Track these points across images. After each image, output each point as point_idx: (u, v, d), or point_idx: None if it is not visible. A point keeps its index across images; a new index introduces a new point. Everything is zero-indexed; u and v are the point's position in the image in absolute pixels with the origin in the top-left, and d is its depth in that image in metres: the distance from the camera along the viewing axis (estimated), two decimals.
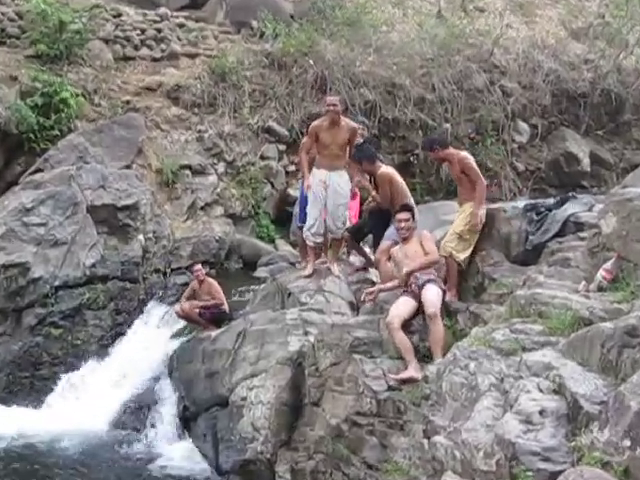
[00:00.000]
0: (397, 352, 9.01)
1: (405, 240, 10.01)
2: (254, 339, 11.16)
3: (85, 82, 17.81)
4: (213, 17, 21.87)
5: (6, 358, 13.77)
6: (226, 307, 13.34)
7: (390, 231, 11.26)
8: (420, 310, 9.24)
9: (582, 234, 9.65)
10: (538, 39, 24.64)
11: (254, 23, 21.28)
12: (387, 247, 10.98)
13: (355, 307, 11.79)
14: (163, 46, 19.86)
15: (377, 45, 21.71)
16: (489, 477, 6.28)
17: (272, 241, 18.00)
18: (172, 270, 15.86)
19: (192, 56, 19.86)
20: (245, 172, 18.28)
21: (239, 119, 18.82)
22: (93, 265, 14.71)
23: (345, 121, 12.18)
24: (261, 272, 16.19)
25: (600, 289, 7.95)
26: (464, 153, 11.12)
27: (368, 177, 11.98)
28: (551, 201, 10.87)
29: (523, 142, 22.68)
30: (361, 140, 12.47)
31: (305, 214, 12.46)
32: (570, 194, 10.97)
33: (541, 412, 6.09)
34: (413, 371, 8.60)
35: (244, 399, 10.40)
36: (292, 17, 22.12)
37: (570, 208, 10.29)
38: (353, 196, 12.64)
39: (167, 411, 12.15)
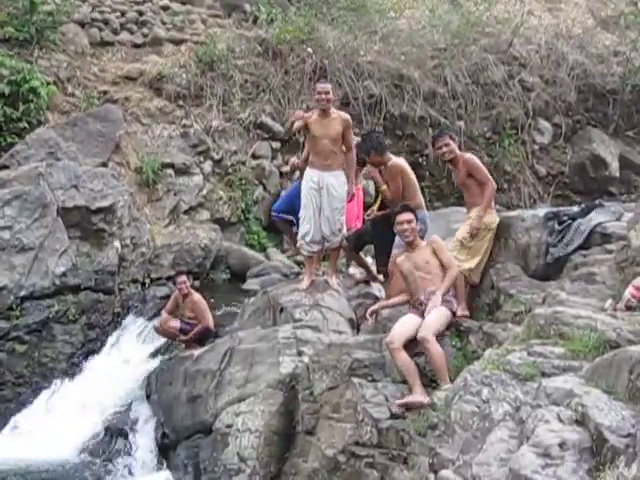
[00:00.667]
0: (400, 375, 9.00)
1: (411, 245, 9.84)
2: (242, 359, 11.14)
3: (58, 69, 17.83)
4: None
5: None
6: (211, 324, 13.31)
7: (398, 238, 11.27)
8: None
9: (609, 246, 9.66)
10: (563, 28, 24.76)
11: (247, 6, 21.37)
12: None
13: (355, 325, 11.80)
14: (145, 30, 19.92)
15: (383, 33, 21.81)
16: None
17: (263, 250, 18.01)
18: (152, 281, 15.88)
19: (177, 42, 19.92)
20: (234, 172, 18.31)
21: (228, 113, 18.86)
22: (63, 274, 14.69)
23: (337, 112, 12.11)
24: (251, 284, 16.19)
25: (629, 308, 7.94)
26: (469, 154, 11.18)
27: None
28: (575, 209, 10.90)
29: (545, 143, 22.75)
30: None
31: (286, 202, 12.46)
32: (596, 202, 11.01)
33: (561, 445, 6.07)
34: (419, 395, 8.59)
35: (230, 426, 10.37)
36: (289, 0, 22.18)
37: (596, 217, 10.30)
38: (351, 198, 12.51)
39: (144, 438, 12.10)
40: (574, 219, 10.42)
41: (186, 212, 17.29)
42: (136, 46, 19.70)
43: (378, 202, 12.13)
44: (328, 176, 11.89)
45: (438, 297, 9.25)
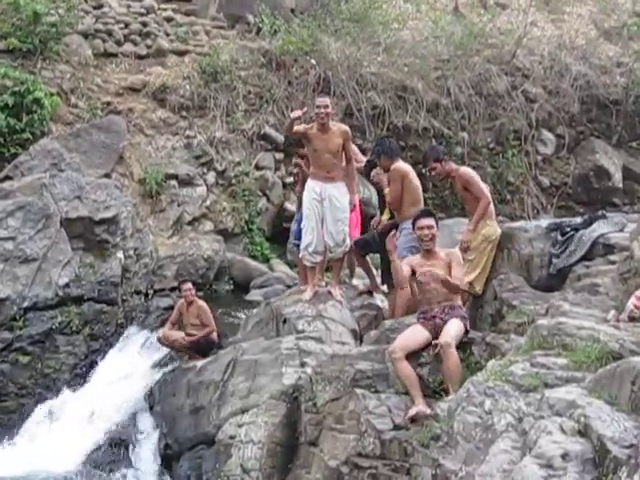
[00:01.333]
0: (402, 386, 8.99)
1: (429, 253, 9.51)
2: (245, 370, 11.13)
3: (61, 80, 17.90)
4: (205, 10, 21.98)
5: None
6: (215, 335, 13.32)
7: (400, 245, 11.24)
8: (432, 342, 9.18)
9: (612, 257, 9.68)
10: (566, 39, 24.78)
11: (250, 18, 21.43)
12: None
13: (358, 336, 11.79)
14: (149, 42, 19.97)
15: (387, 44, 21.86)
16: None
17: (267, 261, 18.02)
18: (155, 292, 15.88)
19: (181, 53, 19.97)
20: (238, 183, 18.34)
21: (232, 124, 18.91)
22: (66, 285, 14.71)
23: (336, 125, 12.15)
24: (254, 295, 16.22)
25: (631, 319, 7.95)
26: (464, 168, 11.27)
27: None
28: (578, 220, 10.92)
29: (548, 154, 22.78)
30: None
31: (301, 231, 12.47)
32: (599, 213, 11.01)
33: (564, 456, 6.07)
34: (422, 406, 8.58)
35: (233, 437, 10.34)
36: (293, 12, 22.27)
37: (599, 228, 10.32)
38: (353, 208, 12.53)
39: (147, 449, 12.12)
40: (577, 230, 10.44)
41: (189, 223, 17.32)
42: (140, 57, 19.75)
43: (387, 213, 12.20)
44: (330, 187, 11.91)
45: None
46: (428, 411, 8.44)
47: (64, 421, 13.07)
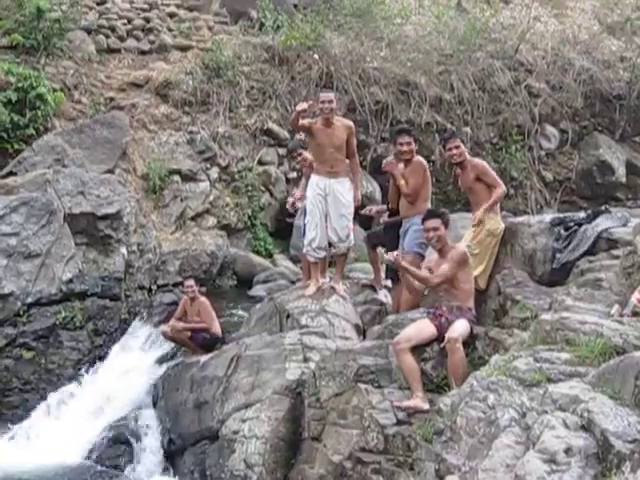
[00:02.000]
0: (404, 378, 8.98)
1: (441, 252, 9.53)
2: (248, 365, 11.14)
3: (64, 76, 17.91)
4: (208, 6, 22.00)
5: None
6: (218, 331, 13.33)
7: (410, 241, 11.23)
8: (437, 339, 9.17)
9: (615, 252, 9.66)
10: (569, 34, 24.77)
11: (253, 13, 21.42)
12: (412, 261, 10.95)
13: (361, 331, 11.80)
14: (152, 37, 20.00)
15: (390, 39, 21.84)
16: None
17: (270, 256, 18.04)
18: (158, 287, 15.92)
19: (184, 49, 19.98)
20: (241, 179, 18.34)
21: (235, 119, 18.91)
22: (70, 280, 14.71)
23: (340, 120, 12.14)
24: (257, 290, 16.23)
25: (635, 314, 7.94)
26: (477, 159, 11.29)
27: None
28: (581, 215, 10.91)
29: (551, 149, 22.76)
30: None
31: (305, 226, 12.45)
32: (603, 207, 11.00)
33: (567, 451, 6.07)
34: (420, 401, 8.58)
35: (236, 432, 10.36)
36: (295, 7, 22.26)
37: (602, 223, 10.31)
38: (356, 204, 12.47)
39: (150, 444, 12.11)
40: (580, 225, 10.43)
41: (193, 218, 17.33)
42: (143, 53, 19.78)
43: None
44: (334, 183, 11.90)
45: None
46: (425, 407, 8.45)
47: (68, 416, 13.08)
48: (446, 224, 9.55)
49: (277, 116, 19.36)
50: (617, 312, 8.13)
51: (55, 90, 17.10)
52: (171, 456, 11.78)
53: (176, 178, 17.36)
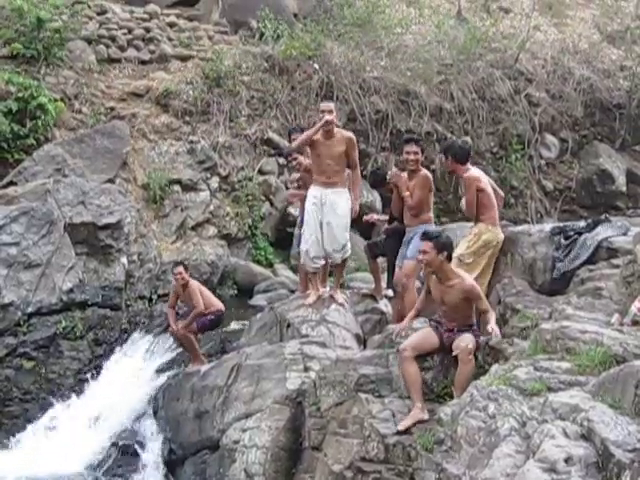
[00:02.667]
0: (404, 387, 8.98)
1: (440, 279, 9.13)
2: (249, 375, 11.14)
3: (65, 86, 17.93)
4: (208, 16, 22.04)
5: None
6: (217, 306, 13.35)
7: (413, 248, 11.25)
8: (439, 349, 9.15)
9: (615, 261, 9.68)
10: (569, 43, 24.82)
11: (253, 23, 21.45)
12: (413, 268, 10.94)
13: (362, 340, 11.80)
14: (152, 47, 20.02)
15: (390, 48, 21.88)
16: None
17: (270, 265, 18.04)
18: (159, 297, 15.91)
19: (184, 59, 20.00)
20: (241, 188, 18.35)
21: (235, 129, 18.92)
22: (70, 290, 14.74)
23: (341, 132, 12.08)
24: (258, 300, 16.25)
25: (635, 323, 7.96)
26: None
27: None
28: (581, 224, 10.93)
29: (552, 158, 22.79)
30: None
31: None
32: (603, 216, 11.02)
33: (567, 460, 6.09)
34: (419, 411, 8.58)
35: (237, 442, 10.36)
36: (296, 16, 22.30)
37: (602, 232, 10.34)
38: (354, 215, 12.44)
39: (151, 454, 12.09)
40: (580, 234, 10.45)
41: (193, 228, 17.34)
42: (143, 63, 19.79)
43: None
44: (330, 193, 11.84)
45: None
46: (425, 417, 8.45)
47: (68, 426, 13.06)
48: (440, 249, 9.03)
49: (277, 125, 19.38)
50: (617, 321, 8.15)
51: (55, 100, 17.12)
52: (172, 466, 11.76)
53: (176, 188, 17.38)
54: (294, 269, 17.11)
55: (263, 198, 18.64)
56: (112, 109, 18.16)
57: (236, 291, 17.03)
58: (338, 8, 22.19)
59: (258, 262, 17.99)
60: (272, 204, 18.79)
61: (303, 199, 12.41)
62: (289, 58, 20.13)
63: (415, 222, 11.48)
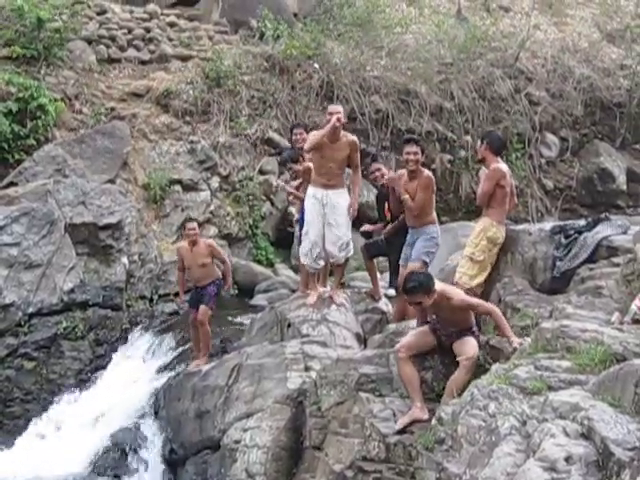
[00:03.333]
0: (403, 387, 8.98)
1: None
2: (249, 375, 11.15)
3: (65, 86, 17.94)
4: (208, 16, 22.06)
5: None
6: (228, 265, 13.53)
7: (418, 250, 11.24)
8: (437, 349, 9.14)
9: (616, 260, 9.66)
10: (569, 42, 24.85)
11: (253, 23, 21.48)
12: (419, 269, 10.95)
13: (362, 340, 11.80)
14: (152, 47, 20.03)
15: (390, 48, 21.91)
16: None
17: (271, 265, 18.05)
18: (159, 297, 15.94)
19: (184, 58, 20.01)
20: (242, 188, 18.36)
21: (235, 129, 18.93)
22: (71, 290, 14.77)
23: (346, 135, 11.99)
24: (259, 300, 16.25)
25: (635, 321, 7.96)
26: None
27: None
28: (581, 223, 10.91)
29: (552, 157, 22.80)
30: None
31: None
32: (603, 215, 11.00)
33: (567, 458, 6.08)
34: (418, 411, 8.58)
35: (238, 442, 10.36)
36: (296, 16, 22.33)
37: (603, 231, 10.32)
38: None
39: (152, 454, 12.11)
40: (580, 233, 10.43)
41: None
42: (143, 63, 19.81)
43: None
44: (331, 194, 11.80)
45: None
46: (425, 416, 8.45)
47: (69, 426, 13.09)
48: (428, 291, 8.76)
49: (278, 125, 19.40)
50: (617, 320, 8.15)
51: (56, 100, 17.13)
52: (173, 466, 11.76)
53: (177, 188, 17.39)
54: (295, 269, 17.11)
55: (264, 198, 18.65)
56: (112, 109, 18.17)
57: (237, 291, 17.01)
58: (338, 8, 22.22)
59: (259, 262, 17.99)
60: (273, 204, 18.79)
61: (302, 200, 12.43)
62: (289, 58, 20.15)
63: (419, 223, 11.44)
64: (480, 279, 10.45)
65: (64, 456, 12.26)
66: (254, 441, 10.17)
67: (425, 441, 8.12)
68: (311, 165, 12.23)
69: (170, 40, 20.36)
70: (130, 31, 20.04)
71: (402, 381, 8.97)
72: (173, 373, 13.11)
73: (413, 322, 10.01)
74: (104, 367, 14.35)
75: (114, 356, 14.49)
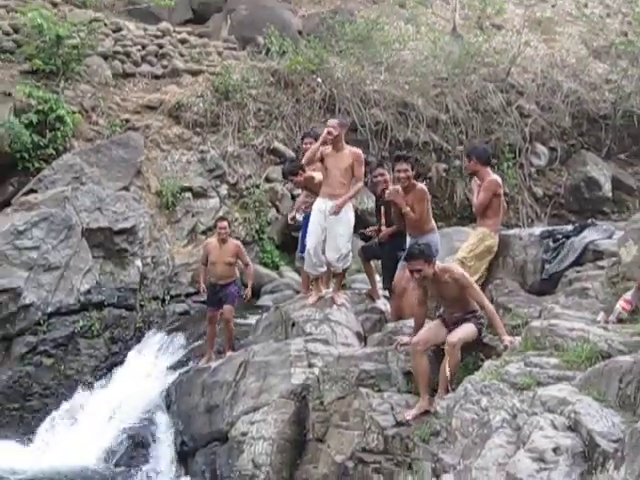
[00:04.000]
0: (414, 380, 8.93)
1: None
2: (256, 371, 11.16)
3: (82, 99, 17.93)
4: (217, 33, 22.09)
5: None
6: (251, 268, 13.60)
7: None
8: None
9: (601, 263, 9.68)
10: (557, 58, 24.80)
11: (260, 39, 21.47)
12: None
13: (362, 338, 11.80)
14: (164, 62, 20.02)
15: (389, 63, 21.88)
16: None
17: (276, 268, 18.03)
18: (171, 297, 15.94)
19: (195, 73, 20.00)
20: (249, 195, 18.36)
21: (243, 139, 18.93)
22: (88, 291, 14.79)
23: (349, 148, 11.93)
24: (265, 300, 16.24)
25: (619, 320, 7.97)
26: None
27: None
28: (569, 228, 10.93)
29: (541, 166, 22.76)
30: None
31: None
32: (589, 221, 11.03)
33: (555, 450, 6.08)
34: (426, 403, 8.56)
35: (245, 434, 10.38)
36: (300, 33, 22.33)
37: (589, 235, 10.34)
38: None
39: (164, 446, 12.14)
40: (568, 237, 10.45)
41: (203, 232, 17.33)
42: (156, 77, 19.80)
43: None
44: (334, 205, 11.72)
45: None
46: (432, 409, 8.45)
47: (85, 420, 13.12)
48: (429, 259, 8.93)
49: (283, 136, 19.39)
50: (603, 319, 8.16)
51: (74, 112, 17.12)
52: (183, 457, 11.78)
53: (188, 195, 17.39)
54: (299, 271, 17.10)
55: (269, 204, 18.64)
56: (127, 121, 18.17)
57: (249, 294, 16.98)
58: (340, 25, 22.16)
59: (265, 264, 17.98)
60: (278, 210, 18.78)
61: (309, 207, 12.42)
62: (294, 72, 20.13)
63: (419, 231, 11.25)
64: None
65: (80, 448, 12.29)
66: (260, 433, 10.19)
67: (421, 433, 8.14)
68: (313, 174, 12.23)
69: (182, 56, 20.36)
70: (144, 47, 20.04)
71: (415, 373, 8.93)
72: (184, 369, 13.13)
73: (410, 321, 10.01)
74: (119, 364, 14.35)
75: (128, 353, 14.50)
